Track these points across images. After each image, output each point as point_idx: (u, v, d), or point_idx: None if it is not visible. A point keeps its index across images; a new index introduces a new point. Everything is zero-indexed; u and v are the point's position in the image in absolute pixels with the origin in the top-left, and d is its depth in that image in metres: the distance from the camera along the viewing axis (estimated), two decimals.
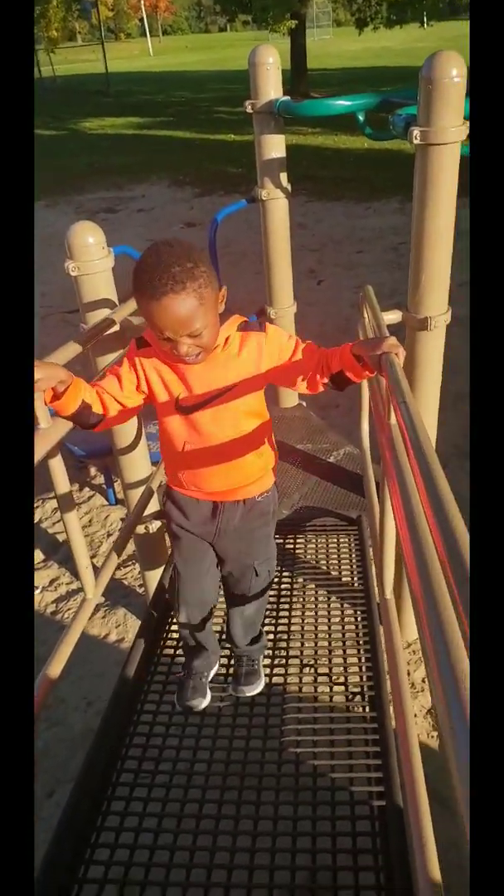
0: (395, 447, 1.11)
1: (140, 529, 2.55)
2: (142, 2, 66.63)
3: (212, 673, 1.96)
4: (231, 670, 1.99)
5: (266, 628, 2.06)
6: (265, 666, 2.00)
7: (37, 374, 1.29)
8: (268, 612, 2.11)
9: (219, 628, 2.09)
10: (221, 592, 1.91)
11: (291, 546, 2.61)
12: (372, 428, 2.61)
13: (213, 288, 1.36)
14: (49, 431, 1.49)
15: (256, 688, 1.91)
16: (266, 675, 1.97)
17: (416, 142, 1.89)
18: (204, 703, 1.88)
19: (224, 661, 2.04)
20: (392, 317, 2.15)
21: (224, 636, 2.02)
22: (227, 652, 2.04)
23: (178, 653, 2.08)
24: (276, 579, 2.37)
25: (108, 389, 1.50)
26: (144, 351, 1.51)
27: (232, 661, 1.99)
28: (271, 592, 2.13)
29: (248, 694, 1.90)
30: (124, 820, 1.55)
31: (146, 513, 2.40)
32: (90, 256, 2.13)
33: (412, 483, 0.87)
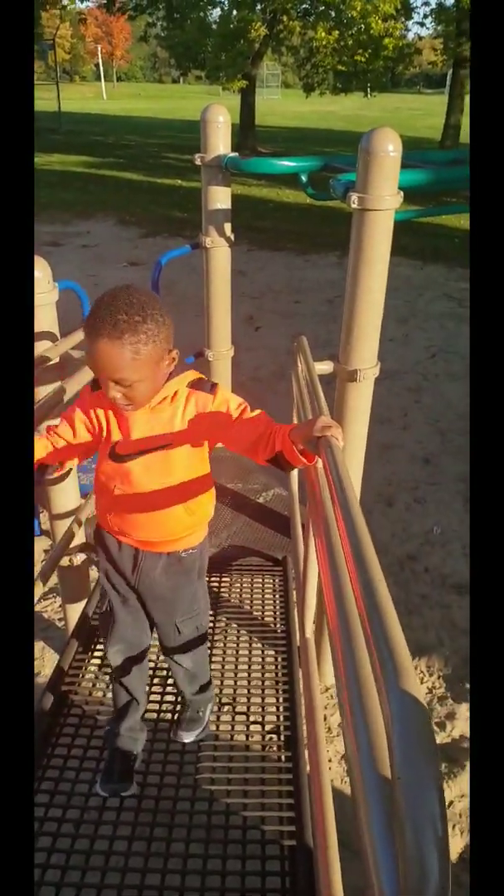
0: (326, 518, 1.04)
1: (65, 562, 2.52)
2: (98, 48, 68.00)
3: (139, 759, 1.80)
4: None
5: None
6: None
7: None
8: None
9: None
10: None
11: (217, 585, 2.64)
12: (301, 471, 2.70)
13: (156, 346, 1.34)
14: None
15: (195, 734, 1.87)
16: None
17: (353, 206, 2.03)
18: (131, 790, 1.73)
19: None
20: (324, 367, 2.25)
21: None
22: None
23: (96, 685, 2.06)
24: None
25: (62, 435, 1.53)
26: (96, 393, 1.49)
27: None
28: None
29: (186, 740, 1.87)
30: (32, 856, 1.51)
31: (73, 544, 2.39)
32: (36, 290, 2.15)
33: (340, 551, 0.89)
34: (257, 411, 1.48)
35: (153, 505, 1.53)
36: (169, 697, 2.03)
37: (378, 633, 0.65)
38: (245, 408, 1.48)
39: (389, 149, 1.94)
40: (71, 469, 2.41)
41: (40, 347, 2.24)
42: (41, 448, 1.51)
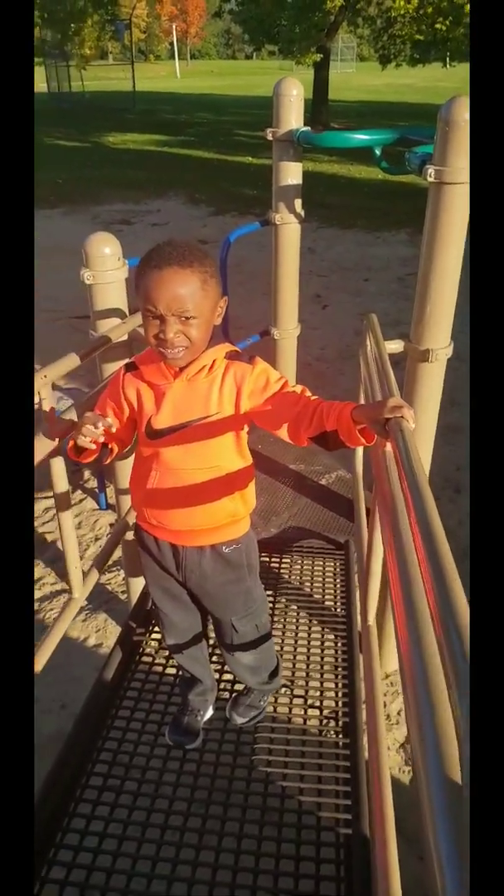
0: (394, 505, 1.01)
1: (129, 535, 2.55)
2: (173, 26, 67.79)
3: (207, 714, 1.87)
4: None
5: None
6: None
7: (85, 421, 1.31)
8: None
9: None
10: None
11: (276, 566, 2.62)
12: (367, 454, 2.64)
13: (216, 285, 1.33)
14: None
15: (249, 721, 1.85)
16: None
17: (430, 179, 1.94)
18: (195, 743, 1.79)
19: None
20: (394, 346, 2.18)
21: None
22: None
23: (156, 661, 2.08)
24: None
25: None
26: (131, 373, 1.45)
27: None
28: None
29: (239, 722, 1.85)
30: (90, 823, 1.55)
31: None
32: (105, 266, 2.16)
33: (409, 540, 0.85)
34: (298, 387, 1.39)
35: (193, 488, 1.45)
36: (227, 676, 2.03)
37: (450, 630, 0.61)
38: (285, 381, 1.40)
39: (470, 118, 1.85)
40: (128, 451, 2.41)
41: (109, 324, 2.26)
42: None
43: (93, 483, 4.06)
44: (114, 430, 1.42)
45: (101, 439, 1.35)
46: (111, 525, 3.73)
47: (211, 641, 1.89)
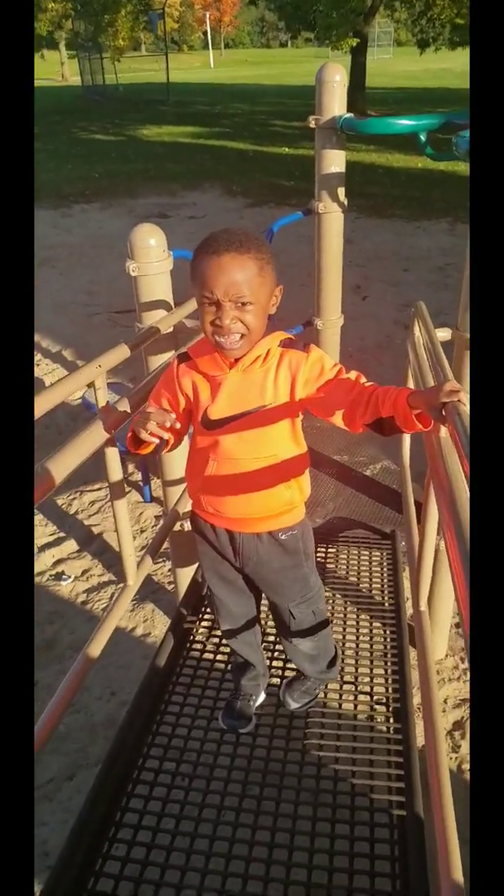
0: (451, 488, 1.03)
1: (175, 526, 2.59)
2: (207, 15, 67.58)
3: (259, 698, 1.89)
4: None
5: None
6: None
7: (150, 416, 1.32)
8: None
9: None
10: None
11: (322, 556, 2.63)
12: (413, 445, 2.63)
13: (272, 272, 1.33)
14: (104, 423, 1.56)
15: (302, 706, 1.87)
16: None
17: None
18: (248, 727, 1.81)
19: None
20: (442, 335, 2.17)
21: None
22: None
23: (207, 647, 2.12)
24: None
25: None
26: (185, 364, 1.46)
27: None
28: None
29: (292, 707, 1.87)
30: (148, 804, 1.59)
31: (184, 510, 2.45)
32: (151, 258, 2.19)
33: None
34: (353, 373, 1.38)
35: (248, 477, 1.46)
36: (277, 663, 2.06)
37: None
38: (340, 368, 1.39)
39: None
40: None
41: (155, 316, 2.29)
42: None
43: (137, 476, 4.12)
44: (178, 425, 1.44)
45: (166, 436, 1.37)
46: (156, 517, 3.78)
47: (262, 628, 1.92)
